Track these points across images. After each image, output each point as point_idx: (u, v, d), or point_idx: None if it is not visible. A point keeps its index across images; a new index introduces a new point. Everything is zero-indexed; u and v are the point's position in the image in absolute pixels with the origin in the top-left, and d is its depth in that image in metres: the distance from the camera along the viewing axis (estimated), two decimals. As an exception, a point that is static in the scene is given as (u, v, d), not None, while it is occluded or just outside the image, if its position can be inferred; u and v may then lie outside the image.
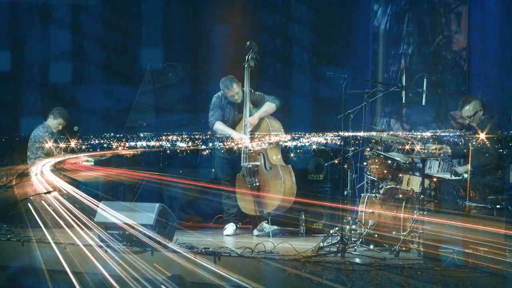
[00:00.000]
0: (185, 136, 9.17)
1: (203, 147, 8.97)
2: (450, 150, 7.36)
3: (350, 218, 7.08)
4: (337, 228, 7.06)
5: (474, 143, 7.20)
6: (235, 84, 8.26)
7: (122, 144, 9.14)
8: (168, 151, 9.13)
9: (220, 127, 8.32)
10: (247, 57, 8.25)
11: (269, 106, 8.29)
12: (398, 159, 7.42)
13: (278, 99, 8.35)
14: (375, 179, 7.43)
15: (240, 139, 8.16)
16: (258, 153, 8.16)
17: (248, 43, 8.29)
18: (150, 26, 10.84)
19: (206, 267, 6.15)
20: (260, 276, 6.05)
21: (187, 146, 9.11)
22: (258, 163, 8.15)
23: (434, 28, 9.51)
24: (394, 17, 9.90)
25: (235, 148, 8.24)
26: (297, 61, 10.37)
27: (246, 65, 8.26)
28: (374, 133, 7.68)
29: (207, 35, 10.57)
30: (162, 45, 10.73)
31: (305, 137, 8.56)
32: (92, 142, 9.24)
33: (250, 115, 8.22)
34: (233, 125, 8.36)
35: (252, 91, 8.33)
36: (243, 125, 8.23)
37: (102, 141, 9.28)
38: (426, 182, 6.99)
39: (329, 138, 8.52)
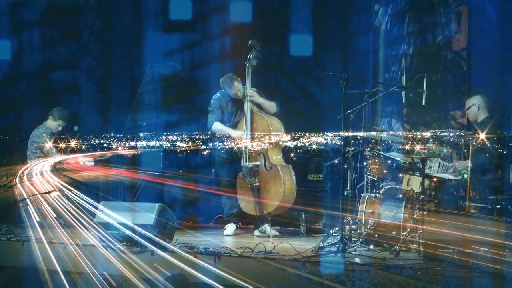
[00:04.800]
0: (185, 136, 9.17)
1: (203, 147, 8.97)
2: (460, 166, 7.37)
3: (350, 218, 7.08)
4: (337, 228, 7.06)
5: (474, 143, 7.21)
6: (236, 82, 8.28)
7: (122, 144, 9.15)
8: (168, 151, 9.13)
9: (218, 127, 8.33)
10: (249, 56, 8.24)
11: (271, 103, 8.30)
12: (398, 159, 7.42)
13: (279, 106, 8.38)
14: (375, 179, 7.43)
15: (239, 137, 8.16)
16: (258, 153, 8.15)
17: (250, 42, 8.27)
18: (150, 25, 10.84)
19: (206, 267, 6.15)
20: (260, 276, 6.04)
21: (187, 146, 9.11)
22: (258, 163, 8.14)
23: (434, 28, 9.52)
24: (394, 17, 9.91)
25: (235, 148, 8.23)
26: (297, 61, 10.37)
27: (248, 64, 8.25)
28: (374, 133, 7.68)
29: (207, 34, 10.57)
30: (162, 44, 10.74)
31: (305, 137, 8.56)
32: (92, 142, 9.25)
33: (251, 115, 8.21)
34: (233, 125, 8.36)
35: (260, 92, 8.33)
36: (243, 124, 8.23)
37: (102, 141, 9.29)
38: (426, 182, 6.98)
39: (329, 138, 8.52)
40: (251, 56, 8.23)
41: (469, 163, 7.15)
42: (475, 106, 7.42)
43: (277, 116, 8.32)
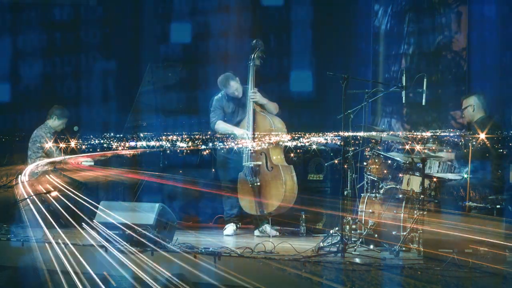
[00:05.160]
0: (185, 136, 9.17)
1: (203, 147, 8.97)
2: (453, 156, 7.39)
3: (350, 218, 7.08)
4: (337, 228, 7.05)
5: (474, 143, 7.21)
6: (232, 81, 8.28)
7: (122, 144, 9.15)
8: (168, 151, 9.13)
9: (221, 126, 8.33)
10: (252, 55, 8.23)
11: (274, 104, 8.31)
12: (398, 159, 7.42)
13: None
14: (375, 179, 7.43)
15: (242, 135, 8.16)
16: (260, 153, 8.15)
17: (254, 41, 8.27)
18: (150, 24, 10.83)
19: (206, 267, 6.15)
20: (260, 276, 6.04)
21: (187, 146, 9.11)
22: (259, 162, 8.14)
23: (434, 28, 9.52)
24: (394, 17, 9.91)
25: (235, 148, 8.23)
26: (297, 61, 10.36)
27: (251, 64, 8.25)
28: (374, 133, 7.68)
29: (208, 34, 10.57)
30: (162, 44, 10.73)
31: (305, 137, 8.56)
32: (92, 142, 9.25)
33: (253, 115, 8.21)
34: (235, 125, 8.35)
35: (262, 92, 8.33)
36: (246, 124, 8.23)
37: (102, 141, 9.29)
38: (426, 182, 6.98)
39: (329, 138, 8.52)
40: (254, 56, 8.23)
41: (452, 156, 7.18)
42: (471, 107, 7.43)
43: (278, 116, 8.33)
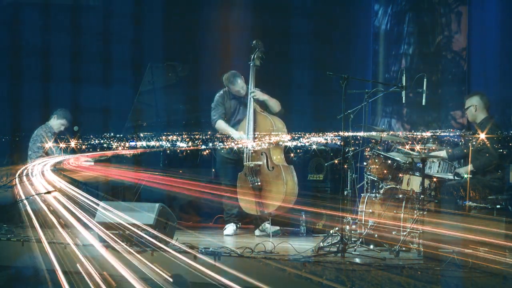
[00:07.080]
0: (185, 136, 9.17)
1: (203, 147, 8.97)
2: (446, 155, 7.38)
3: (350, 218, 7.08)
4: (337, 228, 7.05)
5: (474, 143, 7.20)
6: (239, 79, 8.30)
7: (122, 144, 9.15)
8: (168, 151, 9.13)
9: (222, 126, 8.34)
10: (252, 56, 8.24)
11: (276, 101, 8.30)
12: (398, 159, 7.42)
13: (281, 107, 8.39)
14: (375, 179, 7.43)
15: (239, 138, 8.17)
16: (260, 153, 8.15)
17: (254, 42, 8.27)
18: (151, 25, 10.84)
19: (206, 267, 6.15)
20: (260, 276, 6.04)
21: (187, 146, 9.11)
22: (260, 162, 8.14)
23: (434, 28, 9.52)
24: (394, 17, 9.91)
25: (235, 148, 8.24)
26: (298, 61, 10.36)
27: (251, 64, 8.26)
28: (374, 133, 7.68)
29: (208, 34, 10.57)
30: (162, 44, 10.73)
31: (305, 137, 8.56)
32: (92, 142, 9.25)
33: (254, 115, 8.21)
34: (235, 124, 8.36)
35: (263, 92, 8.33)
36: (246, 124, 8.23)
37: (102, 141, 9.29)
38: (426, 182, 6.98)
39: (329, 138, 8.52)
40: (254, 56, 8.24)
41: (469, 167, 7.14)
42: (473, 107, 7.39)
43: (279, 115, 8.32)
